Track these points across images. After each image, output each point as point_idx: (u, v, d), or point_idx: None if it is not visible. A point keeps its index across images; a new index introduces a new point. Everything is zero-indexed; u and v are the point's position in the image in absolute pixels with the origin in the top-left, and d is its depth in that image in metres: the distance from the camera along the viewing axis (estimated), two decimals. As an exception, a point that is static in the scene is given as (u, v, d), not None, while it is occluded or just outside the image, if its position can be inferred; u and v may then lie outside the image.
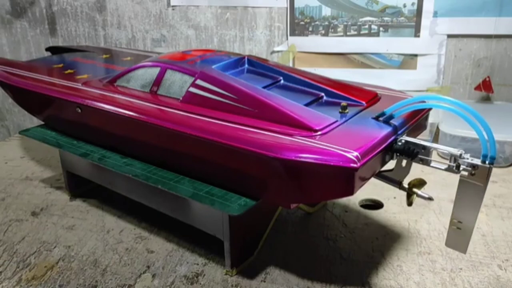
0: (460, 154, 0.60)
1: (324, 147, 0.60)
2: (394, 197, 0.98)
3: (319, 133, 0.64)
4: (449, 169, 0.62)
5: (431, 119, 0.95)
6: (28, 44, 1.58)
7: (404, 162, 0.69)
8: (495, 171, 1.07)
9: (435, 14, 1.28)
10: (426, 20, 1.29)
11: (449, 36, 1.30)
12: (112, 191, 0.92)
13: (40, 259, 0.80)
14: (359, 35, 1.35)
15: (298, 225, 0.89)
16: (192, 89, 0.77)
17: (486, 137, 0.57)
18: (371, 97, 0.77)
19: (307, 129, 0.65)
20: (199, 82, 0.77)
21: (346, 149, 0.59)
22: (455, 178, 0.61)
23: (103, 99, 0.83)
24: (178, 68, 0.81)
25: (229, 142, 0.65)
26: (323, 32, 1.37)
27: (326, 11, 1.35)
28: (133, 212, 0.93)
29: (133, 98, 0.81)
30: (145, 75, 0.85)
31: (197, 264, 0.78)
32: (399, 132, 0.67)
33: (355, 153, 0.58)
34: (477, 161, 0.59)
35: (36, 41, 1.57)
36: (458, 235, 0.64)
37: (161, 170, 0.79)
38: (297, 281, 0.74)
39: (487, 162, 0.58)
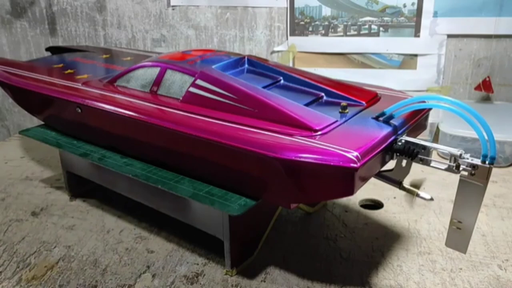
0: (460, 154, 0.60)
1: (324, 147, 0.60)
2: (394, 197, 0.98)
3: (319, 133, 0.64)
4: (449, 169, 0.62)
5: (431, 119, 0.95)
6: (28, 44, 1.58)
7: (404, 162, 0.69)
8: (495, 171, 1.07)
9: (435, 14, 1.28)
10: (426, 20, 1.29)
11: (449, 36, 1.30)
12: (112, 191, 0.92)
13: (40, 259, 0.80)
14: (359, 35, 1.35)
15: (298, 225, 0.89)
16: (192, 89, 0.77)
17: (486, 137, 0.57)
18: (371, 97, 0.77)
19: (307, 129, 0.65)
20: (199, 82, 0.77)
21: (346, 149, 0.59)
22: (455, 178, 0.61)
23: (103, 99, 0.83)
24: (178, 68, 0.81)
25: (229, 142, 0.65)
26: (323, 32, 1.37)
27: (326, 11, 1.35)
28: (133, 212, 0.93)
29: (133, 98, 0.81)
30: (145, 75, 0.85)
31: (197, 264, 0.78)
32: (399, 132, 0.67)
33: (355, 153, 0.58)
34: (477, 161, 0.59)
35: (36, 41, 1.57)
36: (458, 235, 0.64)
37: (161, 170, 0.79)
38: (297, 281, 0.74)
39: (487, 162, 0.58)
